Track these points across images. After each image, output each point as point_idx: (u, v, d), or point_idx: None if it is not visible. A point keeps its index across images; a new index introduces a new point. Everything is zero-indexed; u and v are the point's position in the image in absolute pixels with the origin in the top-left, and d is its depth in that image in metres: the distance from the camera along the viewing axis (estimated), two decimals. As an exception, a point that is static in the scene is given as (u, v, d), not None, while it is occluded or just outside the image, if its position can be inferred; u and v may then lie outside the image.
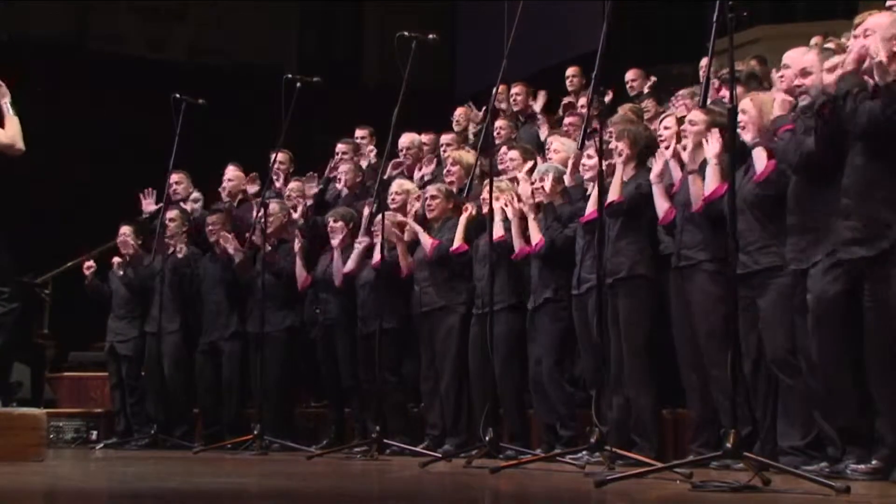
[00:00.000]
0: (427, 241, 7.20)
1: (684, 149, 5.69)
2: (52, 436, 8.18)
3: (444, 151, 8.50)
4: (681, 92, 7.31)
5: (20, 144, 5.80)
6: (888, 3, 5.71)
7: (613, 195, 5.94)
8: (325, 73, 8.32)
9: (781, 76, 5.31)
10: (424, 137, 8.88)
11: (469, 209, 7.10)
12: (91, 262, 8.94)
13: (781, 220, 5.04)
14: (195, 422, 8.70)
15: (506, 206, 6.62)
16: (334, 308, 7.87)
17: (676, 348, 5.73)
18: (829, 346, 4.73)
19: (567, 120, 8.29)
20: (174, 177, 9.03)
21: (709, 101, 5.12)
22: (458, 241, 7.03)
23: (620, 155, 6.05)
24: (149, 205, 9.22)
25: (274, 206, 8.23)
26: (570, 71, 9.66)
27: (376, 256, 7.24)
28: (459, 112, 9.71)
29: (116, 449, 8.38)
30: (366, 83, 15.59)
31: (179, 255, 8.57)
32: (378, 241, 7.16)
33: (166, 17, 15.03)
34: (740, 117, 5.23)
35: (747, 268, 5.17)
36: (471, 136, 9.25)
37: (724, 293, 4.71)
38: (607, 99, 8.74)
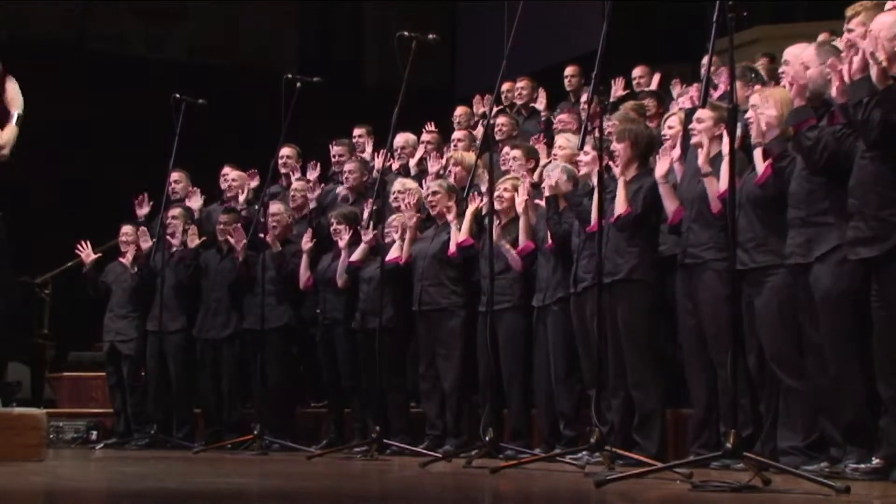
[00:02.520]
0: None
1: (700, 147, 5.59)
2: (52, 436, 8.17)
3: (455, 146, 8.47)
4: (685, 87, 7.28)
5: (7, 151, 5.89)
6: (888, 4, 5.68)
7: (621, 208, 5.86)
8: (325, 73, 8.32)
9: (782, 72, 5.30)
10: (428, 136, 8.83)
11: (475, 202, 7.09)
12: (90, 251, 8.92)
13: (781, 218, 5.02)
14: (196, 422, 8.70)
15: (523, 201, 6.60)
16: (335, 308, 7.86)
17: (682, 347, 5.70)
18: (838, 340, 4.73)
19: (561, 116, 8.22)
20: (174, 175, 9.03)
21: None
22: (464, 234, 7.00)
23: (619, 158, 5.96)
24: (142, 210, 9.21)
25: (278, 206, 8.21)
26: (568, 70, 9.63)
27: (392, 254, 7.24)
28: (459, 112, 9.70)
29: (116, 449, 8.37)
30: (366, 83, 15.58)
31: (181, 249, 8.55)
32: (386, 238, 7.17)
33: (166, 17, 15.02)
34: (749, 113, 5.21)
35: (745, 265, 5.16)
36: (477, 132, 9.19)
37: (731, 292, 4.69)
38: (616, 93, 8.72)
